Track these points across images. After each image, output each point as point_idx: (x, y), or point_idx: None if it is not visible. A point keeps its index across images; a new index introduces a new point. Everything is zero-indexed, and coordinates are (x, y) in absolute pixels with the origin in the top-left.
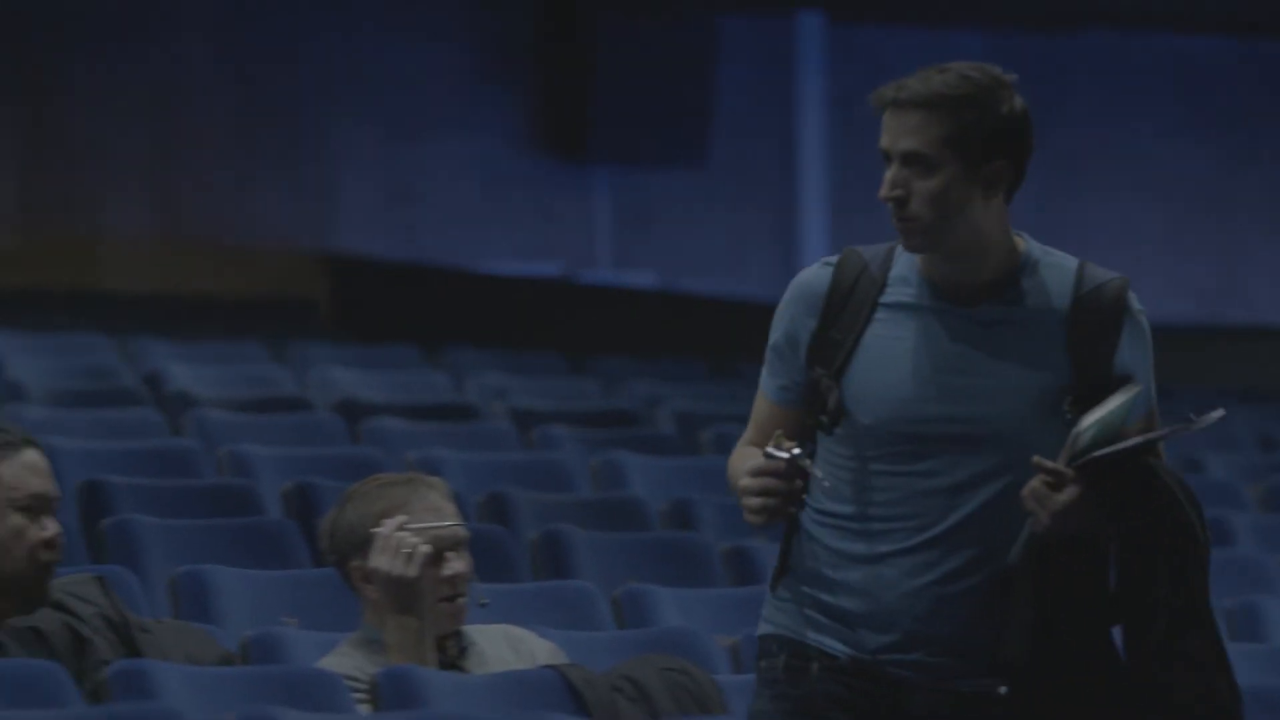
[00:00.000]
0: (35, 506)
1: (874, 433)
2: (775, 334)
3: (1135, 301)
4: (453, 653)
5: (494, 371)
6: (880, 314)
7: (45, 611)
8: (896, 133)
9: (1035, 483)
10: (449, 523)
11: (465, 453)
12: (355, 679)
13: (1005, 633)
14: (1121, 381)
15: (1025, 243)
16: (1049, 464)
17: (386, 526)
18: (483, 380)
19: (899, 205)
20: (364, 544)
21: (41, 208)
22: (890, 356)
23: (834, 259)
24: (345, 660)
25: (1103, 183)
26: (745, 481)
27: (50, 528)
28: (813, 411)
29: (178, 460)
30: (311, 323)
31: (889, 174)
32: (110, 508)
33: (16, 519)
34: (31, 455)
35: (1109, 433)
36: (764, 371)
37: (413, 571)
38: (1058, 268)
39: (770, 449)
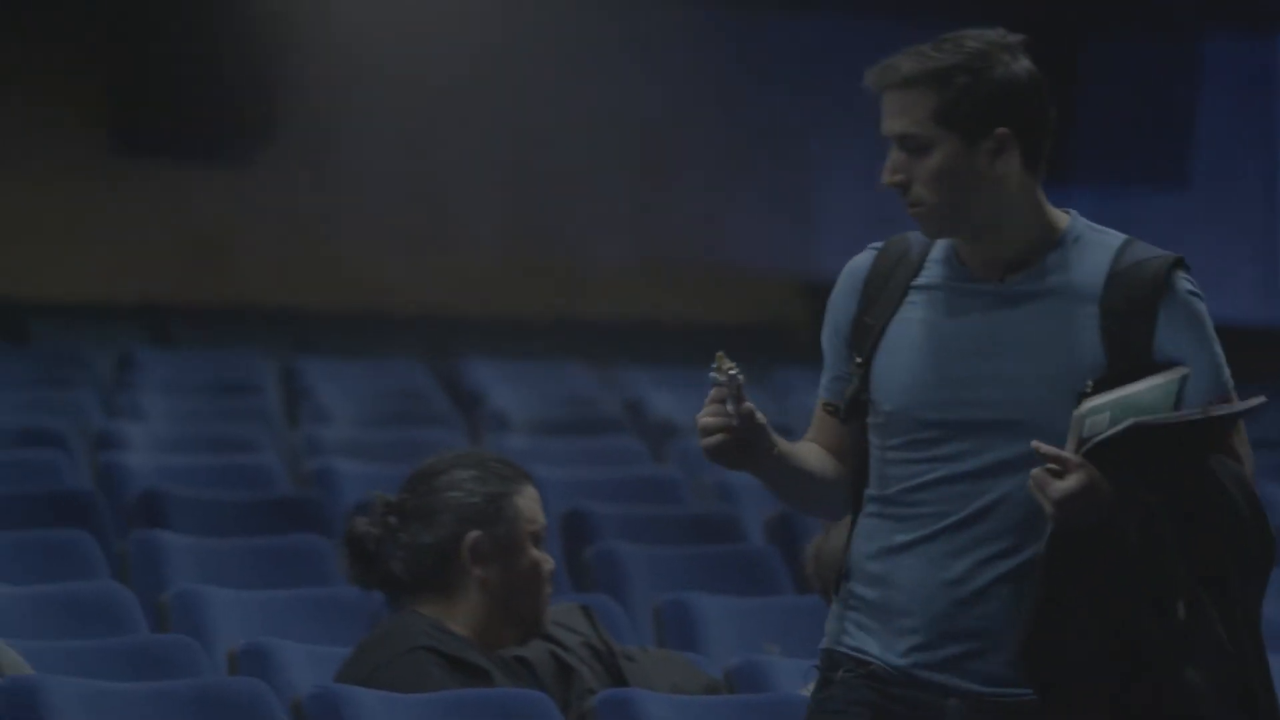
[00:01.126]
0: (541, 538)
1: (896, 419)
2: (824, 326)
3: (1183, 281)
4: None
5: None
6: (911, 297)
7: (533, 641)
8: (889, 115)
9: (1038, 470)
10: None
11: None
12: None
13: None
14: (1164, 369)
15: (1071, 219)
16: (1049, 450)
17: None
18: None
19: (903, 191)
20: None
21: (523, 235)
22: (914, 340)
23: (881, 244)
24: None
25: None
26: (699, 417)
27: (548, 559)
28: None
29: (660, 489)
30: (792, 348)
31: (889, 160)
32: (593, 536)
33: (534, 553)
34: (532, 488)
35: (1130, 415)
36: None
37: None
38: (1099, 245)
39: (712, 373)
